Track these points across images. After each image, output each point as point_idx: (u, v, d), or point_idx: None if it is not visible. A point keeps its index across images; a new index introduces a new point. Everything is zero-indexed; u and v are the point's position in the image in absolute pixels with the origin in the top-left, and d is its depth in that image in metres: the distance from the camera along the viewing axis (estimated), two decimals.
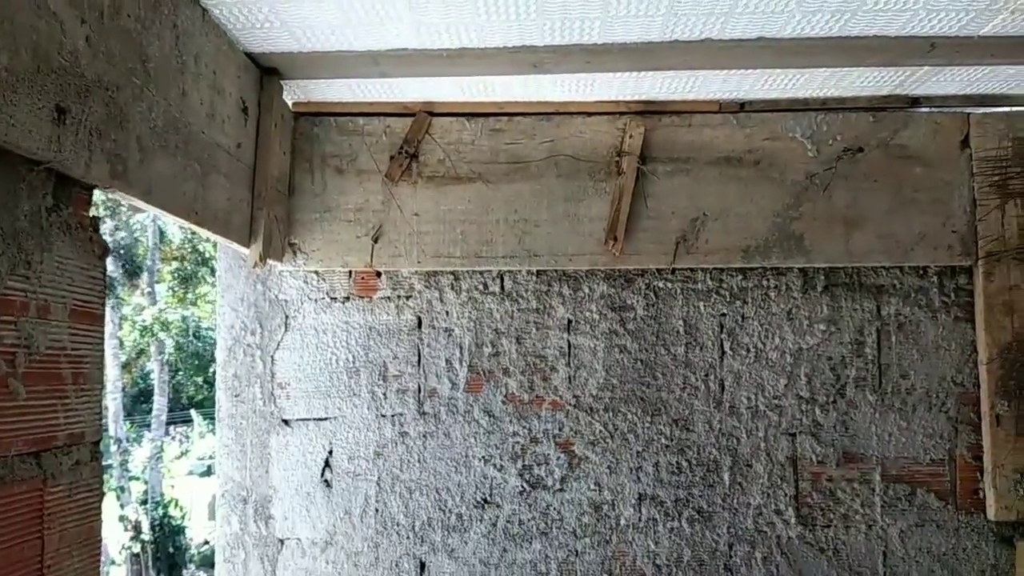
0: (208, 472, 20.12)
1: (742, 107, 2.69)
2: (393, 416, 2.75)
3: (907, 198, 2.71)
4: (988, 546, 2.71)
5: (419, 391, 2.76)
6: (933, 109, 2.73)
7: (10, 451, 1.35)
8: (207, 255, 17.08)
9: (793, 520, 2.72)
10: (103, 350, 1.66)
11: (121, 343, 16.74)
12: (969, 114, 2.73)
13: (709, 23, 2.15)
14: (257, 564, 2.71)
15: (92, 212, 1.62)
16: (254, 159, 2.37)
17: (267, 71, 2.38)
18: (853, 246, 2.70)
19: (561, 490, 2.73)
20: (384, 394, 2.74)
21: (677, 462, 2.74)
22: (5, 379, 1.35)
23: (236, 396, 2.72)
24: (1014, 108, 2.74)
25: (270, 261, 2.50)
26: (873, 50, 2.31)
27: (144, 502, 16.43)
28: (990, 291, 2.71)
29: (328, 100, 2.68)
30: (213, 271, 16.51)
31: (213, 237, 2.16)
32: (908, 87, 2.62)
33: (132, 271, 17.25)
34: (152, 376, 19.09)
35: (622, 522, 2.72)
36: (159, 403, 17.95)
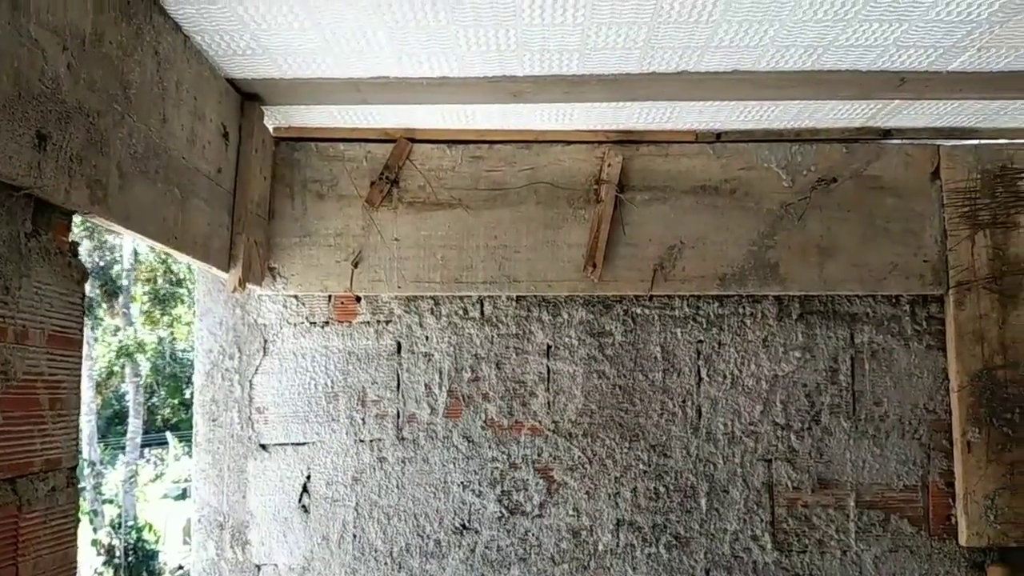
0: (183, 495, 19.78)
1: (718, 137, 2.74)
2: (372, 441, 2.74)
3: (879, 228, 2.77)
4: (960, 571, 2.74)
5: (398, 416, 2.75)
6: (904, 141, 2.79)
7: None
8: (181, 276, 16.93)
9: (769, 546, 2.73)
10: (80, 375, 1.65)
11: (94, 363, 16.50)
12: (939, 146, 2.80)
13: (685, 56, 2.20)
14: None
15: (71, 237, 1.62)
16: (234, 184, 2.37)
17: (248, 97, 2.39)
18: (827, 275, 2.74)
19: (540, 516, 2.72)
20: (363, 419, 2.74)
21: (655, 488, 2.75)
22: None
23: (214, 420, 2.70)
24: (982, 141, 2.81)
25: (249, 285, 2.50)
26: (845, 84, 2.37)
27: (118, 526, 16.11)
28: (961, 320, 2.76)
29: (309, 125, 2.70)
30: (189, 292, 16.42)
31: (192, 262, 2.16)
32: (880, 119, 2.68)
33: (111, 291, 17.05)
34: (127, 398, 18.81)
35: (600, 547, 2.72)
36: (134, 425, 17.66)
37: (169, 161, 1.94)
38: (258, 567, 2.69)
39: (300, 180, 2.74)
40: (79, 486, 1.66)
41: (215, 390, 2.72)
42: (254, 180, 2.43)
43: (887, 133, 2.77)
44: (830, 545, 2.73)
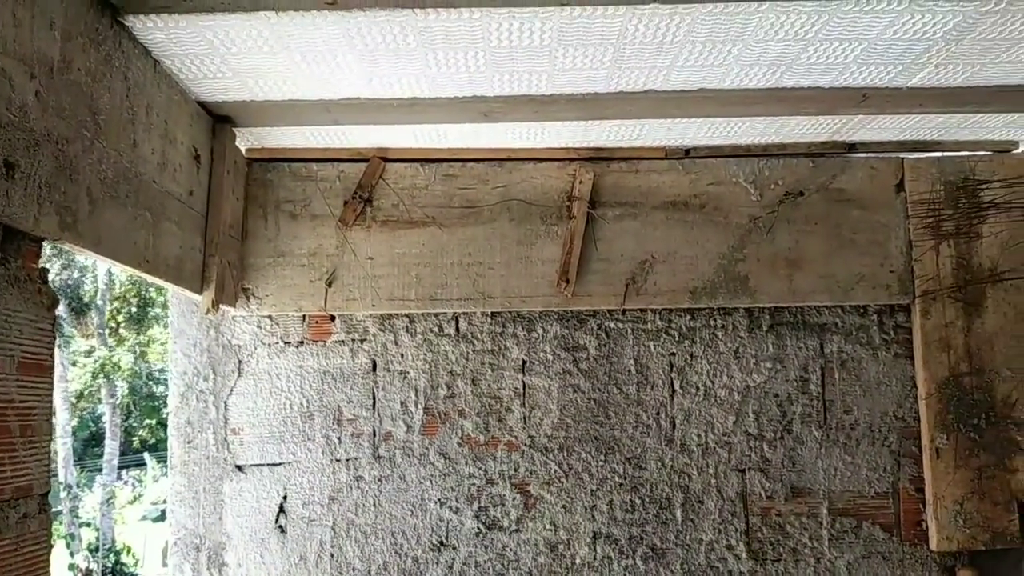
0: (162, 517, 19.51)
1: (687, 153, 2.79)
2: (348, 460, 2.74)
3: (846, 240, 2.83)
4: (931, 575, 2.78)
5: (374, 435, 2.76)
6: (869, 155, 2.86)
7: None
8: (152, 297, 16.83)
9: (744, 555, 2.77)
10: (51, 401, 1.65)
11: (68, 384, 16.31)
12: (903, 159, 2.87)
13: (652, 75, 2.25)
14: None
15: (41, 263, 1.62)
16: (207, 206, 2.38)
17: (219, 119, 2.41)
18: (796, 286, 2.80)
19: (517, 531, 2.74)
20: (339, 438, 2.74)
21: (631, 500, 2.77)
22: None
23: (189, 442, 2.69)
24: (945, 153, 2.89)
25: (223, 307, 2.51)
26: (809, 100, 2.43)
27: (95, 549, 15.84)
28: (927, 328, 2.82)
29: (282, 146, 2.73)
30: (163, 312, 16.34)
31: (165, 285, 2.17)
32: (845, 134, 2.74)
33: (79, 309, 16.85)
34: (103, 419, 18.57)
35: (577, 561, 2.74)
36: (111, 447, 17.44)
37: (140, 185, 1.95)
38: None
39: (273, 200, 2.76)
40: (51, 512, 1.65)
41: (190, 412, 2.71)
42: (226, 202, 2.45)
43: (852, 147, 2.84)
44: (804, 553, 2.77)
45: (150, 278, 2.06)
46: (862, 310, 2.88)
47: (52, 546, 1.64)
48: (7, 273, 1.50)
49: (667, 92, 2.34)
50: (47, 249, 1.68)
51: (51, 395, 1.64)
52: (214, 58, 2.04)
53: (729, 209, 2.81)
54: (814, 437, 2.83)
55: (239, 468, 2.72)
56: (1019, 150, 2.91)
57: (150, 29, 1.87)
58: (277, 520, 2.70)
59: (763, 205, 2.82)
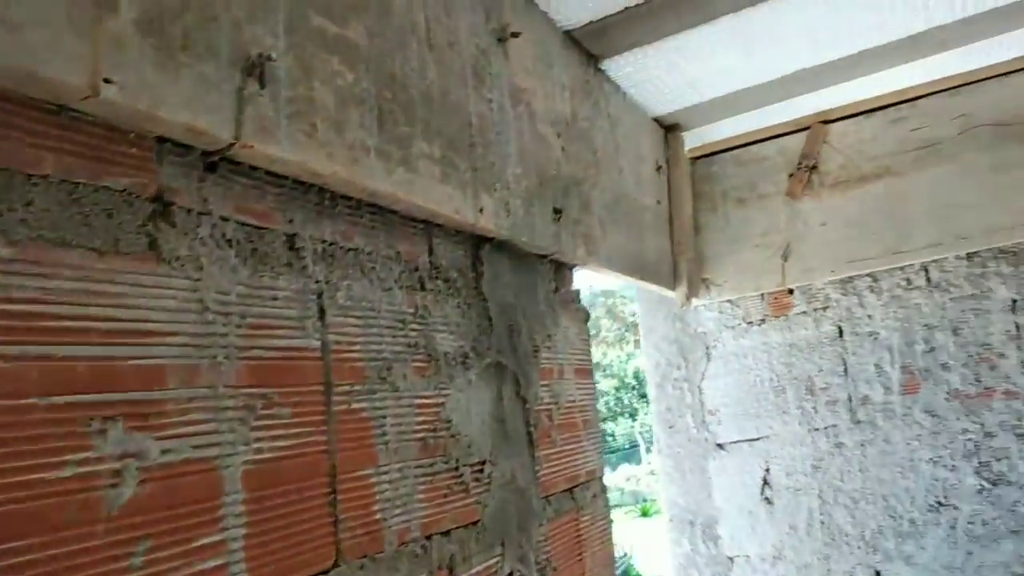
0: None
1: None
2: (826, 428, 3.05)
3: None
4: None
5: (850, 400, 3.03)
6: None
7: (556, 489, 1.88)
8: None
9: None
10: (596, 398, 2.18)
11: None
12: None
13: None
14: None
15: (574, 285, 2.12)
16: (669, 210, 2.86)
17: (670, 128, 2.88)
18: None
19: None
20: (814, 408, 3.06)
21: None
22: (549, 431, 1.85)
23: (671, 427, 3.20)
24: None
25: (691, 299, 2.98)
26: None
27: None
28: None
29: (721, 139, 3.12)
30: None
31: (651, 287, 2.70)
32: None
33: None
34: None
35: None
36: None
37: (627, 204, 2.45)
38: (731, 559, 3.17)
39: (720, 191, 3.15)
40: (607, 492, 2.16)
41: (668, 399, 3.22)
42: (685, 202, 2.91)
43: None
44: None
45: (641, 283, 2.59)
46: None
47: (612, 521, 2.16)
48: (560, 299, 2.02)
49: None
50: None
51: (595, 393, 2.20)
52: (671, 74, 2.42)
53: None
54: None
55: (720, 446, 3.20)
56: None
57: (621, 65, 2.31)
58: (763, 492, 3.11)
59: None
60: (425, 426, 1.33)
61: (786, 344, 3.10)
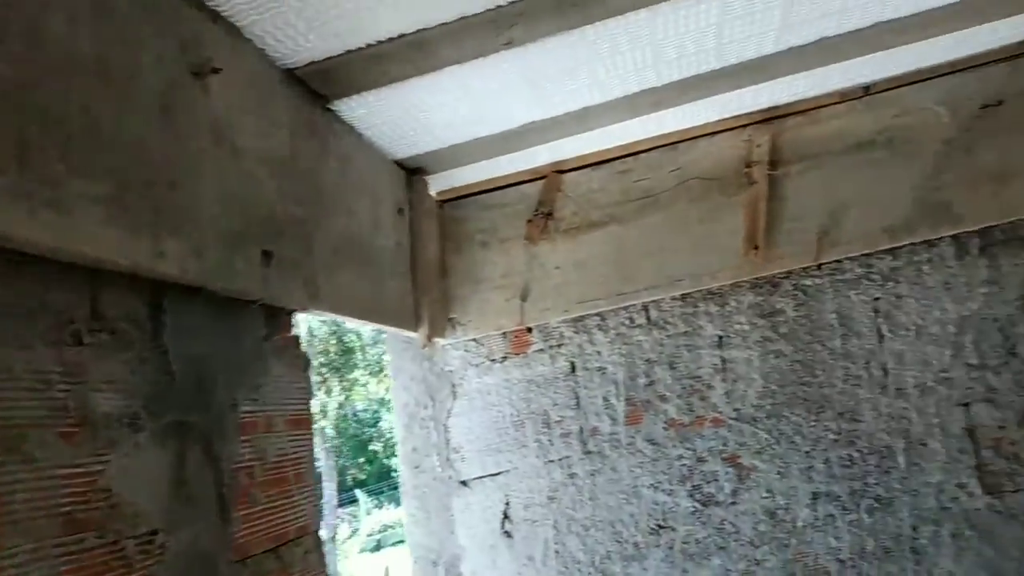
0: (377, 547, 22.87)
1: (867, 90, 2.96)
2: (560, 460, 3.20)
3: None
4: None
5: (581, 432, 3.20)
6: None
7: (257, 550, 1.79)
8: (351, 345, 20.18)
9: (978, 491, 3.01)
10: (313, 450, 2.11)
11: None
12: None
13: (823, 23, 2.43)
14: None
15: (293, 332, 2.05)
16: (411, 252, 2.87)
17: (413, 171, 2.91)
18: (1005, 201, 2.95)
19: (734, 503, 3.10)
20: (549, 440, 3.21)
21: (848, 455, 3.06)
22: (248, 490, 1.77)
23: (416, 467, 3.23)
24: None
25: (435, 339, 3.03)
26: (997, 3, 2.51)
27: None
28: None
29: (467, 183, 3.22)
30: (364, 355, 20.09)
31: (389, 329, 2.70)
32: None
33: None
34: (318, 464, 21.62)
35: (799, 524, 3.07)
36: (328, 489, 20.20)
37: (360, 247, 2.41)
38: None
39: (465, 234, 3.27)
40: (323, 547, 2.11)
41: (415, 439, 3.26)
42: (428, 244, 2.96)
43: None
44: None
45: (378, 326, 2.57)
46: None
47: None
48: (273, 346, 1.95)
49: (840, 36, 2.51)
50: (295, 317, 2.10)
51: (312, 445, 2.11)
52: (407, 119, 2.46)
53: (919, 138, 2.97)
54: None
55: (464, 483, 3.26)
56: None
57: (353, 107, 2.30)
58: (503, 526, 3.18)
59: (957, 125, 2.96)
60: (73, 498, 1.21)
61: (526, 380, 3.24)
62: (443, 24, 2.00)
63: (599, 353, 3.20)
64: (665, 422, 3.15)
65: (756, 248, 2.97)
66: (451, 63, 2.11)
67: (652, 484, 3.14)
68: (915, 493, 3.04)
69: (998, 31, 2.74)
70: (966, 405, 3.03)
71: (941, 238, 3.02)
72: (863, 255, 3.05)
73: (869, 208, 2.98)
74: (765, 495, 3.09)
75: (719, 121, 3.04)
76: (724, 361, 3.13)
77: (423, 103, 2.36)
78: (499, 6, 1.96)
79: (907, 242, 3.00)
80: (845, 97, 2.98)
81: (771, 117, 3.03)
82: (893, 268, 3.06)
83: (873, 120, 2.99)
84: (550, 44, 2.13)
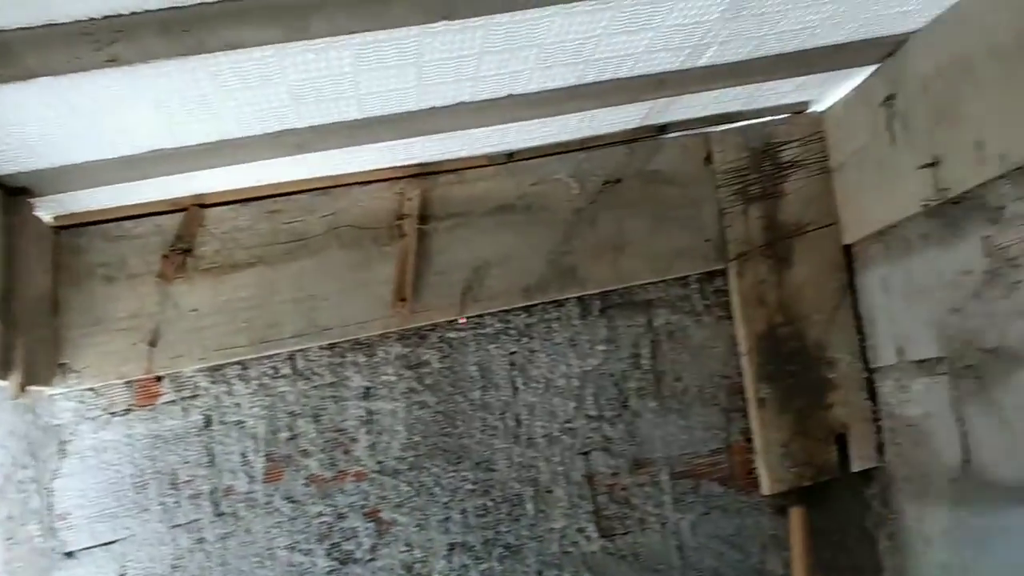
0: None
1: (510, 157, 3.21)
2: (188, 524, 2.95)
3: (665, 217, 3.36)
4: (765, 519, 3.43)
5: (213, 492, 2.99)
6: (680, 134, 3.39)
7: None
8: None
9: (595, 535, 3.28)
10: None
11: None
12: (709, 133, 3.42)
13: (459, 89, 2.54)
14: None
15: None
16: (5, 285, 2.47)
17: (14, 192, 2.52)
18: (621, 268, 3.31)
19: (372, 559, 3.09)
20: (176, 503, 2.95)
21: (483, 504, 3.20)
22: None
23: (10, 539, 2.75)
24: (749, 122, 3.44)
25: (36, 388, 2.62)
26: (612, 91, 2.82)
27: None
28: (743, 287, 3.42)
29: (91, 209, 2.87)
30: None
31: None
32: (653, 118, 3.23)
33: None
34: None
35: (435, 575, 3.13)
36: None
37: None
38: None
39: (86, 267, 2.90)
40: None
41: (11, 506, 2.77)
42: (32, 276, 2.57)
43: (663, 128, 3.34)
44: (650, 521, 3.33)
45: None
46: (683, 281, 3.42)
47: None
48: None
49: (477, 102, 2.65)
50: None
51: None
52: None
53: (553, 206, 3.25)
54: (650, 408, 3.36)
55: (69, 555, 2.86)
56: (811, 110, 3.52)
57: None
58: None
59: (585, 197, 3.28)
60: None
61: (151, 435, 2.96)
62: (25, 28, 1.76)
63: (238, 405, 3.02)
64: (306, 478, 3.05)
65: (404, 300, 3.03)
66: (43, 74, 1.87)
67: (289, 544, 3.02)
68: (541, 539, 3.23)
69: (619, 115, 3.09)
70: (586, 454, 3.30)
71: (568, 299, 3.31)
72: (502, 311, 3.24)
73: (508, 267, 3.19)
74: (404, 549, 3.11)
75: (373, 171, 3.06)
76: (370, 413, 3.12)
77: (15, 117, 2.08)
78: (92, 19, 1.78)
79: (540, 300, 3.24)
80: (492, 161, 3.19)
81: (424, 172, 3.13)
82: (528, 324, 3.28)
83: (515, 185, 3.22)
84: (168, 68, 1.97)
